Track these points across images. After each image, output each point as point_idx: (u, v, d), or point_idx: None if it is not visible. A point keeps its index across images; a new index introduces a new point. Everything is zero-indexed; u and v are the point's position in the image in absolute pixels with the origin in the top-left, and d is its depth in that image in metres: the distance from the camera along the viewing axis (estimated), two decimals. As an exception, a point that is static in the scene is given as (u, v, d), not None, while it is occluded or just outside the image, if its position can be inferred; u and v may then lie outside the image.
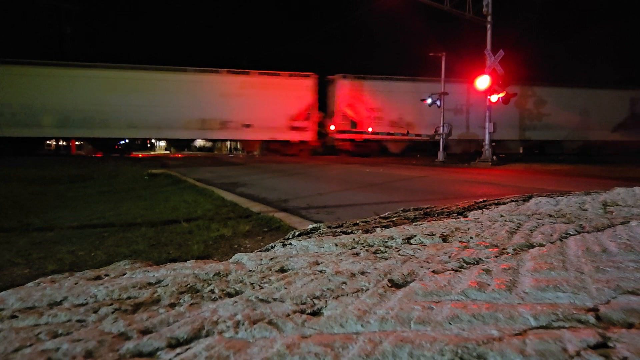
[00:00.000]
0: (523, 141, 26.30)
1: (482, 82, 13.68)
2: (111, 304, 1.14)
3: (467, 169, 12.38)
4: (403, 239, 1.88)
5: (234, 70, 23.57)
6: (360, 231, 2.14)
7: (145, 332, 0.95)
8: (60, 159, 16.99)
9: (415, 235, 1.94)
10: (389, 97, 23.88)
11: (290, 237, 2.16)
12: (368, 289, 1.20)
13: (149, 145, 43.11)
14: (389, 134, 23.56)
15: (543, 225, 2.15)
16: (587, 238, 1.80)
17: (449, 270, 1.36)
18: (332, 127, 24.16)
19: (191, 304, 1.13)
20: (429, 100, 17.90)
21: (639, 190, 3.84)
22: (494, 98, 13.72)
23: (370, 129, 23.48)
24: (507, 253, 1.59)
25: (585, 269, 1.33)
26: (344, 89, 23.73)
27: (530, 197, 3.53)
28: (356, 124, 23.68)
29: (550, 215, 2.51)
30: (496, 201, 3.31)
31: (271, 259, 1.61)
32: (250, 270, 1.45)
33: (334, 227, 2.32)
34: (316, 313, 1.05)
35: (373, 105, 23.69)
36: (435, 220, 2.44)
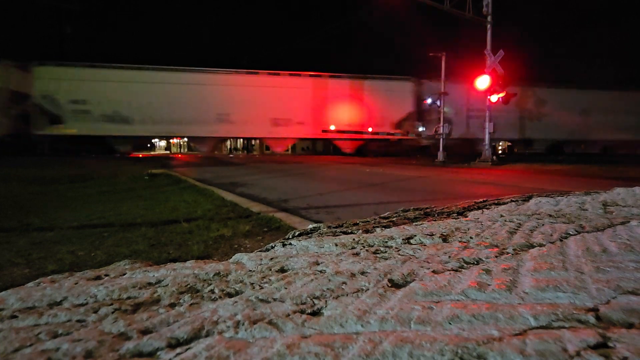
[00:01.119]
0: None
1: (482, 82, 13.67)
2: (111, 304, 1.14)
3: (467, 169, 12.38)
4: (403, 239, 1.88)
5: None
6: (360, 231, 2.14)
7: (145, 332, 0.95)
8: (60, 159, 16.98)
9: (415, 235, 1.94)
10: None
11: (290, 237, 2.16)
12: (368, 289, 1.20)
13: (148, 145, 43.09)
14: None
15: (543, 225, 2.15)
16: (587, 238, 1.80)
17: (449, 270, 1.36)
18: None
19: (191, 304, 1.13)
20: (429, 101, 17.93)
21: (639, 190, 3.84)
22: (494, 98, 13.72)
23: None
24: (507, 253, 1.59)
25: (585, 269, 1.33)
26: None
27: (530, 197, 3.53)
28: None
29: (550, 215, 2.51)
30: (496, 201, 3.31)
31: (271, 259, 1.61)
32: (250, 270, 1.45)
33: (334, 227, 2.32)
34: (316, 313, 1.05)
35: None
36: (435, 220, 2.44)
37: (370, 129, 24.99)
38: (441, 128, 17.96)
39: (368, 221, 2.52)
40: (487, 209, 2.90)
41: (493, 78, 13.56)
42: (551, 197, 3.49)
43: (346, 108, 24.84)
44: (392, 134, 25.01)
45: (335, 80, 24.95)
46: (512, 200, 3.35)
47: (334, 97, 24.89)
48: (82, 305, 1.15)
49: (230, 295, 1.21)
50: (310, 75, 24.50)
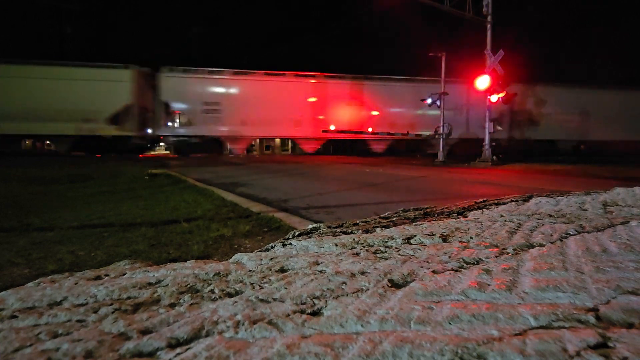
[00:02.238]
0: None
1: (482, 82, 13.67)
2: (111, 304, 1.14)
3: (467, 169, 12.38)
4: (403, 239, 1.88)
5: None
6: (360, 231, 2.14)
7: (145, 332, 0.95)
8: (61, 159, 16.97)
9: (415, 235, 1.94)
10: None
11: (290, 237, 2.16)
12: (368, 289, 1.20)
13: (148, 145, 43.00)
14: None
15: (543, 225, 2.15)
16: (587, 238, 1.80)
17: (449, 270, 1.36)
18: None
19: (191, 304, 1.13)
20: (429, 100, 17.93)
21: (639, 190, 3.84)
22: (494, 98, 13.72)
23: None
24: (507, 253, 1.59)
25: (585, 269, 1.33)
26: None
27: (530, 197, 3.53)
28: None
29: (550, 215, 2.51)
30: (496, 201, 3.31)
31: (271, 259, 1.61)
32: (250, 270, 1.45)
33: (334, 227, 2.32)
34: (316, 313, 1.05)
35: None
36: (435, 220, 2.44)
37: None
38: (441, 128, 17.96)
39: (368, 221, 2.52)
40: (487, 209, 2.90)
41: (493, 78, 13.56)
42: (551, 197, 3.49)
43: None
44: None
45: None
46: (512, 200, 3.35)
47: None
48: (82, 305, 1.15)
49: (230, 295, 1.21)
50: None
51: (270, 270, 1.46)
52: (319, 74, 23.74)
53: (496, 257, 1.54)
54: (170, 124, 21.58)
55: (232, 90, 22.59)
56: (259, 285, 1.28)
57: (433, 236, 1.92)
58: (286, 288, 1.23)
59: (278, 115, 22.58)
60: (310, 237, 2.06)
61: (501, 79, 13.60)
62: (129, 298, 1.20)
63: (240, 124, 22.37)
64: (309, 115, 23.32)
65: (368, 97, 24.21)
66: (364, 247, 1.78)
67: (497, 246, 1.70)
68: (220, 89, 22.41)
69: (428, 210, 2.96)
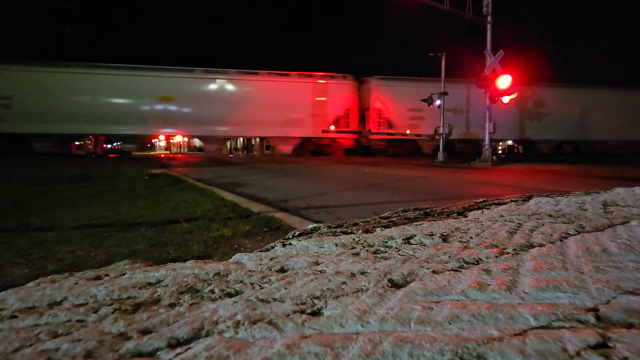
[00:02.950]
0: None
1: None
2: (111, 304, 1.14)
3: (467, 169, 12.38)
4: (403, 239, 1.88)
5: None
6: (360, 231, 2.14)
7: (145, 332, 0.95)
8: (60, 159, 16.97)
9: (415, 235, 1.94)
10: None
11: (290, 237, 2.16)
12: (368, 289, 1.20)
13: (148, 145, 43.03)
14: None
15: (543, 225, 2.15)
16: (587, 238, 1.80)
17: (449, 270, 1.36)
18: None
19: (191, 304, 1.13)
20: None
21: (639, 190, 3.84)
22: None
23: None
24: (507, 253, 1.59)
25: (585, 269, 1.33)
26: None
27: (530, 197, 3.53)
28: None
29: (550, 215, 2.51)
30: (496, 201, 3.31)
31: (271, 259, 1.61)
32: (250, 270, 1.45)
33: (334, 227, 2.32)
34: (316, 313, 1.05)
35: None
36: (435, 220, 2.44)
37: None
38: (441, 128, 17.97)
39: (368, 221, 2.52)
40: (487, 209, 2.90)
41: (493, 78, 13.55)
42: (551, 197, 3.49)
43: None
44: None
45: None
46: (512, 200, 3.35)
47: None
48: (82, 305, 1.15)
49: (230, 295, 1.21)
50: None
51: (270, 270, 1.46)
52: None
53: (496, 257, 1.54)
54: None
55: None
56: (259, 285, 1.28)
57: (433, 236, 1.92)
58: (286, 288, 1.23)
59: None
60: (310, 237, 2.06)
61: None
62: (129, 298, 1.20)
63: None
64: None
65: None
66: (364, 247, 1.78)
67: (497, 246, 1.70)
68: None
69: (428, 210, 2.96)
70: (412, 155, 23.08)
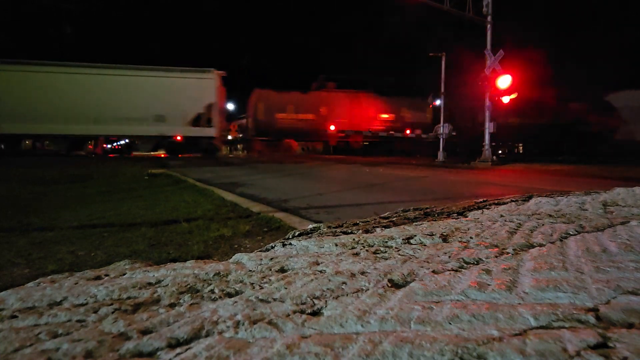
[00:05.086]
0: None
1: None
2: (111, 304, 1.14)
3: (467, 169, 12.38)
4: (403, 239, 1.88)
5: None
6: (360, 231, 2.14)
7: (145, 332, 0.95)
8: (61, 159, 16.95)
9: (415, 235, 1.94)
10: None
11: (290, 237, 2.16)
12: (368, 289, 1.20)
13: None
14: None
15: (543, 225, 2.15)
16: (587, 238, 1.80)
17: (449, 270, 1.36)
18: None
19: (191, 304, 1.13)
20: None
21: (639, 190, 3.84)
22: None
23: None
24: (507, 253, 1.59)
25: (585, 269, 1.33)
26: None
27: (530, 197, 3.53)
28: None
29: (550, 215, 2.51)
30: (496, 201, 3.31)
31: (271, 259, 1.61)
32: (250, 270, 1.45)
33: (334, 227, 2.32)
34: (316, 313, 1.05)
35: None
36: (435, 220, 2.44)
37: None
38: (441, 128, 17.98)
39: (368, 221, 2.52)
40: (487, 209, 2.90)
41: (493, 78, 13.55)
42: (551, 197, 3.49)
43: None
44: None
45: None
46: (512, 200, 3.35)
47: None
48: (82, 305, 1.15)
49: (230, 295, 1.21)
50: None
51: (270, 270, 1.46)
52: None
53: (496, 257, 1.54)
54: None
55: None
56: (259, 285, 1.28)
57: (433, 236, 1.92)
58: (286, 288, 1.23)
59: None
60: (310, 237, 2.06)
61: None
62: (129, 298, 1.20)
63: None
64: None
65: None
66: (364, 247, 1.78)
67: (497, 246, 1.70)
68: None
69: (428, 210, 2.96)
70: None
